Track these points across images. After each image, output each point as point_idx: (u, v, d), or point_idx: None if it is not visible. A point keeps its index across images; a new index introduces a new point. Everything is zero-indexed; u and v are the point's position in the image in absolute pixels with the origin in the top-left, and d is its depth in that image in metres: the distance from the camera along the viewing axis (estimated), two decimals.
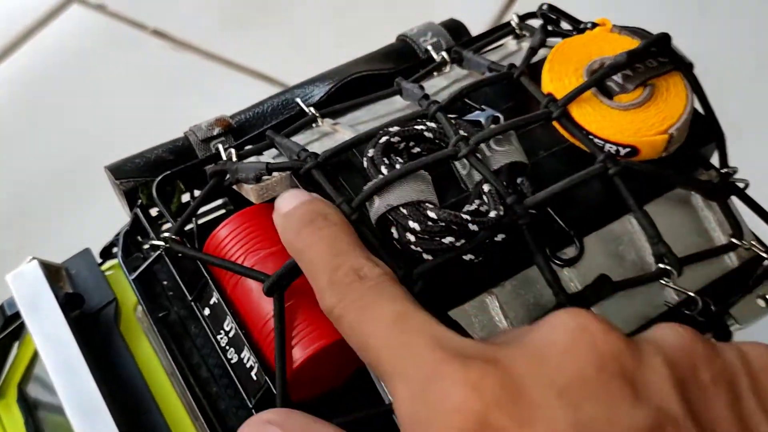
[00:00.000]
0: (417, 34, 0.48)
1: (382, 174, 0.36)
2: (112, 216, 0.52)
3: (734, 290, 0.40)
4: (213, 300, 0.38)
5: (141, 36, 1.03)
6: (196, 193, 0.43)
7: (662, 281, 0.38)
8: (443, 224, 0.34)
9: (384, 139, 0.38)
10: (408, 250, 0.35)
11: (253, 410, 0.36)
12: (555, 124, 0.40)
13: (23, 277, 0.40)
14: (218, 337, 0.38)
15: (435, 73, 0.46)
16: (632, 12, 1.00)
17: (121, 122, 0.93)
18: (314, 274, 0.32)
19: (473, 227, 0.34)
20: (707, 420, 0.26)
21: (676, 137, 0.38)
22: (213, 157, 0.42)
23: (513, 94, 0.43)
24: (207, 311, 0.39)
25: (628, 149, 0.38)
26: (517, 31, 0.48)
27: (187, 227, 0.41)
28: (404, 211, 0.35)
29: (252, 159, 0.41)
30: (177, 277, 0.39)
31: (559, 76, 0.40)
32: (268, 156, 0.41)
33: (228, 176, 0.40)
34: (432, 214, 0.34)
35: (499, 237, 0.36)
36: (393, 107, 0.44)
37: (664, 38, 0.40)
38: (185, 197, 0.44)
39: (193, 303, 0.39)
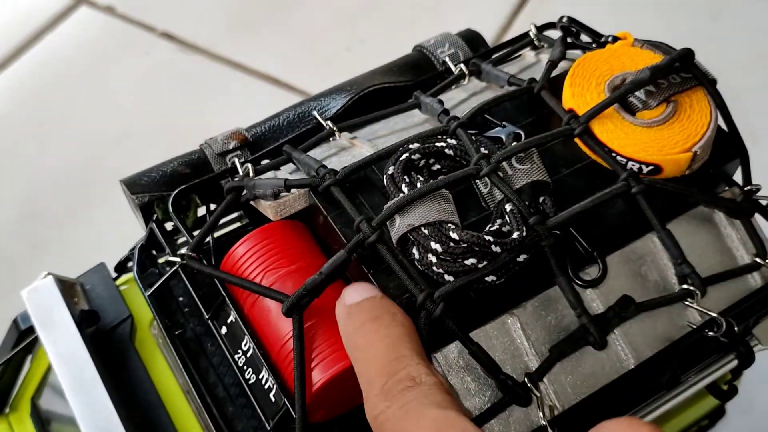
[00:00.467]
0: (434, 45, 0.48)
1: (403, 192, 0.36)
2: (123, 219, 0.52)
3: (758, 310, 0.40)
4: (230, 319, 0.38)
5: (150, 38, 1.02)
6: (212, 206, 0.43)
7: (685, 302, 0.37)
8: (466, 245, 0.34)
9: (404, 156, 0.37)
10: (429, 272, 0.35)
11: None
12: (577, 140, 0.39)
13: (38, 294, 0.39)
14: (236, 356, 0.37)
15: (453, 86, 0.46)
16: (644, 21, 1.00)
17: (130, 124, 0.93)
18: (369, 376, 0.31)
19: (496, 249, 0.34)
20: None
21: (700, 155, 0.38)
22: (229, 171, 0.42)
23: (533, 108, 0.42)
24: (224, 330, 0.38)
25: (651, 167, 0.38)
26: (536, 43, 0.48)
27: (207, 241, 0.41)
28: (426, 231, 0.34)
29: (269, 174, 0.40)
30: (194, 295, 0.39)
31: (581, 91, 0.40)
32: (285, 171, 0.41)
33: (245, 192, 0.40)
34: (454, 235, 0.34)
35: (521, 258, 0.35)
36: (411, 121, 0.43)
37: (688, 54, 0.39)
38: (201, 211, 0.43)
39: (209, 321, 0.39)
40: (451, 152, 0.38)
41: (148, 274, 0.42)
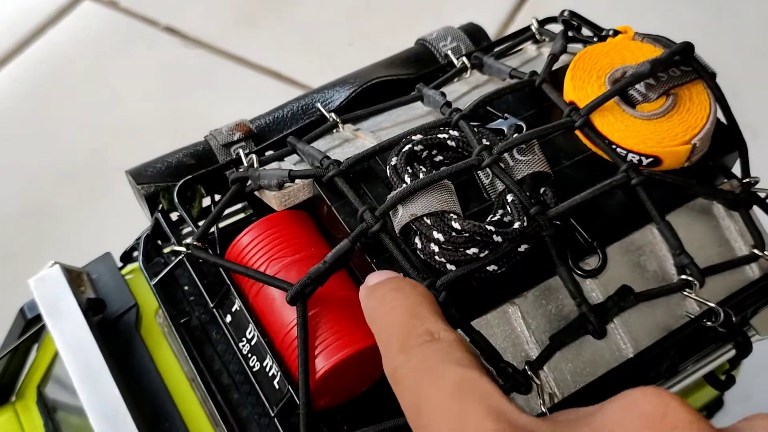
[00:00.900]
0: (437, 38, 0.48)
1: (406, 183, 0.36)
2: (127, 211, 0.52)
3: (756, 301, 0.40)
4: (235, 307, 0.38)
5: (153, 32, 1.03)
6: (217, 197, 0.43)
7: (684, 292, 0.38)
8: (467, 235, 0.34)
9: (407, 147, 0.38)
10: (432, 261, 0.35)
11: (276, 419, 0.36)
12: (577, 132, 0.40)
13: (45, 283, 0.40)
14: (240, 344, 0.38)
15: (455, 79, 0.46)
16: (645, 14, 1.00)
17: (134, 118, 0.93)
18: (388, 337, 0.31)
19: (497, 238, 0.34)
20: None
21: (699, 147, 0.38)
22: (234, 162, 0.42)
23: (534, 101, 0.43)
24: (229, 318, 0.39)
25: (650, 159, 0.38)
26: (537, 36, 0.48)
27: (212, 231, 0.41)
28: (428, 221, 0.35)
29: (273, 165, 0.41)
30: (199, 284, 0.39)
31: (582, 84, 0.40)
32: (289, 162, 0.41)
33: (250, 183, 0.40)
34: (456, 225, 0.34)
35: (523, 248, 0.36)
36: (414, 113, 0.44)
37: (688, 47, 0.40)
38: (206, 201, 0.44)
39: (214, 309, 0.39)
40: (453, 143, 0.38)
41: (153, 263, 0.42)
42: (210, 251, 0.39)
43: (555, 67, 0.43)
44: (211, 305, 0.39)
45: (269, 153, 0.42)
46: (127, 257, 0.46)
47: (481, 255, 0.35)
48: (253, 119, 0.45)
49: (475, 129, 0.39)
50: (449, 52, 0.47)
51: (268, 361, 0.37)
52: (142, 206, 0.43)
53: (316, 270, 0.35)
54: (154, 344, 0.41)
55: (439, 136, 0.38)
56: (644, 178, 0.37)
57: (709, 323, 0.38)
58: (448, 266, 0.35)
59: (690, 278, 0.37)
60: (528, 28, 0.48)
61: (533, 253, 0.36)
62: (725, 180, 0.42)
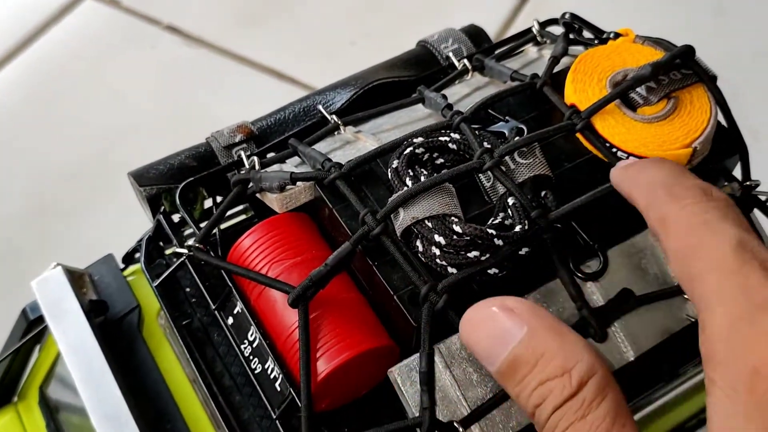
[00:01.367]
0: (438, 40, 0.48)
1: (407, 186, 0.36)
2: (129, 212, 0.52)
3: None
4: (237, 309, 0.38)
5: (155, 31, 1.03)
6: (218, 199, 0.44)
7: (684, 296, 0.38)
8: (469, 238, 0.34)
9: (408, 150, 0.38)
10: (433, 264, 0.35)
11: (277, 421, 0.36)
12: (578, 135, 0.40)
13: (47, 284, 0.40)
14: (242, 346, 0.38)
15: (457, 81, 0.46)
16: (647, 16, 1.00)
17: (135, 117, 0.93)
18: (653, 188, 0.31)
19: (498, 242, 0.35)
20: None
21: (700, 150, 0.38)
22: (235, 163, 0.42)
23: (536, 103, 0.43)
24: (230, 320, 0.39)
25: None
26: (538, 39, 0.48)
27: (214, 233, 0.42)
28: (430, 224, 0.35)
29: (275, 167, 0.41)
30: (200, 286, 0.40)
31: (583, 87, 0.40)
32: (291, 164, 0.41)
33: (251, 185, 0.40)
34: (458, 228, 0.35)
35: (524, 251, 0.36)
36: (415, 115, 0.44)
37: (689, 50, 0.40)
38: (207, 203, 0.44)
39: (216, 311, 0.39)
40: (454, 146, 0.38)
41: (155, 265, 0.43)
42: (212, 253, 0.39)
43: (556, 69, 0.43)
44: (213, 307, 0.39)
45: (271, 155, 0.42)
46: (129, 259, 0.46)
47: (482, 258, 0.35)
48: (255, 121, 0.45)
49: (477, 132, 0.39)
50: (450, 54, 0.48)
51: (270, 364, 0.37)
52: (144, 208, 0.44)
53: (318, 273, 0.35)
54: (156, 346, 0.41)
55: (441, 138, 0.38)
56: None
57: None
58: (450, 269, 0.35)
59: None
60: (529, 30, 0.48)
61: (534, 256, 0.36)
62: (726, 183, 0.42)
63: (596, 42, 0.45)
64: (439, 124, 0.40)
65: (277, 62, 1.00)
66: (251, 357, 0.38)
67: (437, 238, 0.35)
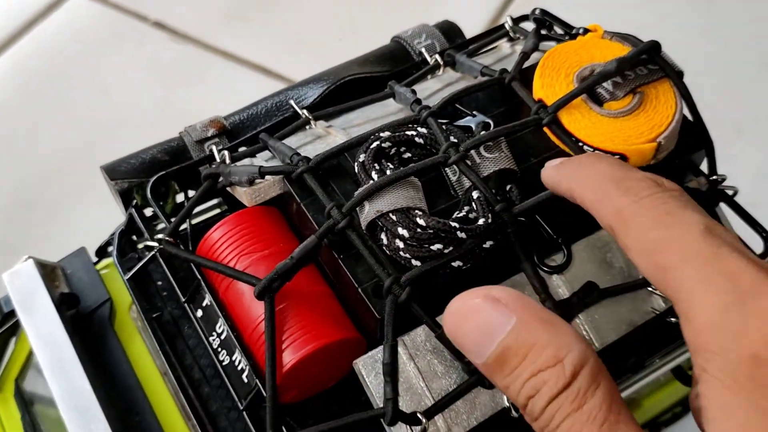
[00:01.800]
0: (411, 36, 0.49)
1: (373, 179, 0.37)
2: (114, 206, 0.52)
3: None
4: (205, 302, 0.39)
5: (142, 27, 1.03)
6: (191, 193, 0.44)
7: (649, 288, 0.38)
8: (432, 231, 0.35)
9: (375, 144, 0.38)
10: (397, 256, 0.36)
11: (244, 412, 0.36)
12: (546, 130, 0.40)
13: (19, 277, 0.40)
14: (210, 338, 0.38)
15: (429, 76, 0.47)
16: (636, 10, 1.00)
17: (122, 114, 0.93)
18: (601, 183, 0.31)
19: (461, 235, 0.35)
20: None
21: (665, 145, 0.39)
22: (207, 158, 0.43)
23: (505, 98, 0.43)
24: (200, 313, 0.39)
25: (616, 156, 0.38)
26: (511, 34, 0.49)
27: (182, 228, 0.42)
28: (394, 217, 0.35)
29: (245, 162, 0.41)
30: (171, 279, 0.40)
31: (550, 82, 0.41)
32: (262, 158, 0.42)
33: (221, 179, 0.41)
34: (421, 221, 0.35)
35: (488, 244, 0.36)
36: (386, 110, 0.44)
37: (654, 46, 0.40)
38: (180, 197, 0.44)
39: (186, 304, 0.40)
40: (421, 141, 0.39)
41: (127, 258, 0.43)
42: (182, 246, 0.40)
43: (527, 65, 0.44)
44: (183, 300, 0.40)
45: (242, 149, 0.42)
46: (102, 252, 0.46)
47: (446, 251, 0.35)
48: (228, 116, 0.45)
49: (444, 126, 0.39)
50: (423, 50, 0.48)
51: (237, 355, 0.37)
52: (117, 201, 0.44)
53: (284, 265, 0.36)
54: (128, 338, 0.42)
55: (407, 133, 0.39)
56: None
57: (673, 319, 0.39)
58: (413, 262, 0.35)
59: None
60: (502, 26, 0.49)
61: (499, 249, 0.37)
62: (693, 177, 0.42)
63: (567, 38, 0.46)
64: (406, 119, 0.40)
65: (265, 58, 1.00)
66: (219, 349, 0.38)
67: (401, 231, 0.35)
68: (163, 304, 0.42)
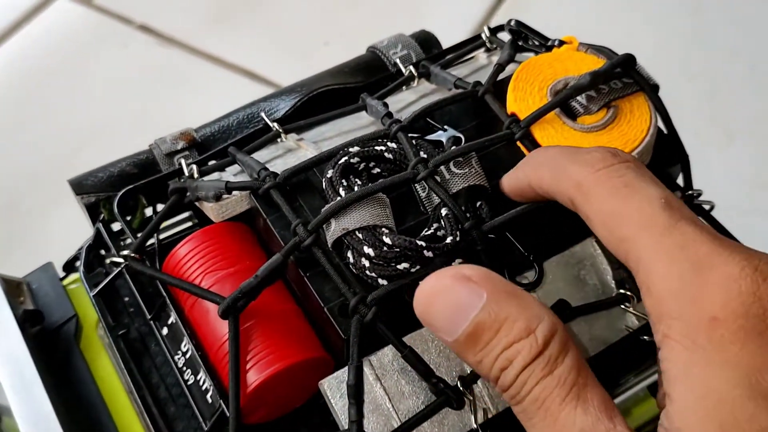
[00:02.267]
0: (387, 46, 0.48)
1: (340, 196, 0.36)
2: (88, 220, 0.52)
3: None
4: (171, 320, 0.38)
5: (127, 31, 1.02)
6: (160, 207, 0.43)
7: (623, 306, 0.37)
8: (398, 250, 0.34)
9: (343, 159, 0.37)
10: (363, 275, 0.35)
11: None
12: (519, 144, 0.39)
13: None
14: (176, 357, 0.38)
15: (404, 87, 0.46)
16: (623, 15, 1.00)
17: (107, 118, 0.93)
18: (554, 158, 0.32)
19: (428, 254, 0.34)
20: None
21: (639, 160, 0.38)
22: (176, 172, 0.42)
23: (478, 111, 0.42)
24: (165, 330, 0.38)
25: None
26: (488, 45, 0.48)
27: (152, 243, 0.41)
28: (360, 235, 0.35)
29: (213, 176, 0.41)
30: (137, 295, 0.39)
31: (524, 95, 0.40)
32: (231, 172, 0.41)
33: (189, 193, 0.40)
34: (387, 240, 0.34)
35: (456, 262, 0.36)
36: (359, 123, 0.43)
37: (629, 59, 0.39)
38: (149, 211, 0.43)
39: (151, 322, 0.39)
40: (390, 156, 0.38)
41: (94, 273, 0.42)
42: (147, 263, 0.39)
43: (502, 76, 0.43)
44: (149, 317, 0.39)
45: (212, 163, 0.42)
46: (70, 267, 0.46)
47: (413, 270, 0.35)
48: (199, 128, 0.45)
49: (414, 141, 0.39)
50: (398, 60, 0.47)
51: (202, 375, 0.36)
52: (85, 215, 0.43)
53: (248, 284, 0.35)
54: (94, 356, 0.41)
55: (377, 148, 0.38)
56: None
57: (647, 338, 0.38)
58: (380, 281, 0.35)
59: (628, 292, 0.37)
60: (479, 36, 0.48)
61: None
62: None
63: (543, 50, 0.45)
64: (376, 133, 0.39)
65: (251, 62, 0.99)
66: (184, 368, 0.37)
67: (366, 249, 0.34)
68: (131, 320, 0.41)
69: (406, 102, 0.44)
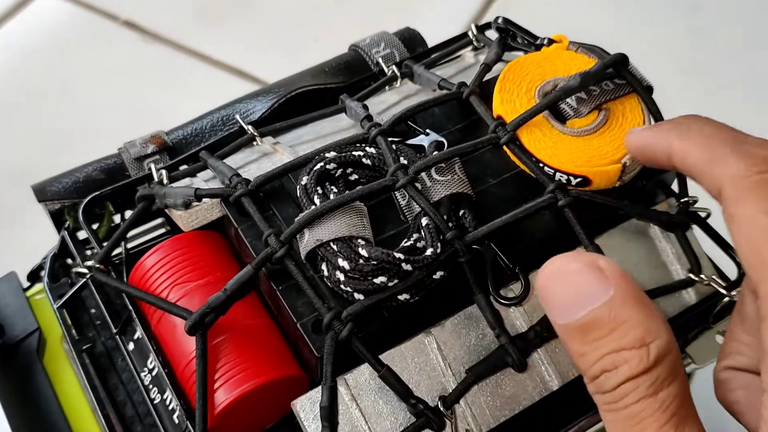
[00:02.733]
0: (369, 44, 0.46)
1: (315, 204, 0.34)
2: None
3: (692, 328, 0.38)
4: (137, 334, 0.36)
5: (112, 27, 1.00)
6: (129, 214, 0.41)
7: None
8: (375, 263, 0.32)
9: (318, 165, 0.35)
10: (338, 289, 0.33)
11: None
12: (505, 149, 0.37)
13: None
14: (142, 374, 0.36)
15: (387, 88, 0.44)
16: (620, 12, 0.98)
17: (91, 116, 0.90)
18: (710, 143, 0.29)
19: (407, 267, 0.32)
20: None
21: (631, 166, 0.36)
22: (146, 177, 0.40)
23: (463, 114, 0.40)
24: (131, 346, 0.36)
25: (579, 179, 0.36)
26: (475, 43, 0.46)
27: (119, 252, 0.39)
28: (335, 247, 0.33)
29: (184, 182, 0.38)
30: (102, 308, 0.37)
31: (510, 97, 0.38)
32: (202, 178, 0.39)
33: (157, 201, 0.38)
34: (363, 252, 0.32)
35: (438, 275, 0.33)
36: (339, 126, 0.41)
37: (621, 59, 0.37)
38: (118, 219, 0.41)
39: (117, 336, 0.37)
40: (369, 161, 0.36)
41: (59, 284, 0.40)
42: (113, 274, 0.37)
43: (489, 77, 0.41)
44: (114, 331, 0.37)
45: (183, 168, 0.40)
46: (34, 276, 0.43)
47: (391, 284, 0.33)
48: (170, 131, 0.43)
49: (394, 146, 0.36)
50: (380, 60, 0.45)
51: (168, 394, 0.34)
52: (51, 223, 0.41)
53: (216, 298, 0.33)
54: (59, 372, 0.39)
55: (354, 153, 0.36)
56: (572, 200, 0.35)
57: None
58: (356, 295, 0.33)
59: None
60: (465, 35, 0.46)
61: (453, 279, 0.34)
62: (664, 198, 0.40)
63: (532, 49, 0.43)
64: (354, 137, 0.37)
65: (239, 59, 0.97)
66: (151, 386, 0.35)
67: (341, 262, 0.32)
68: (97, 333, 0.39)
69: (388, 104, 0.42)
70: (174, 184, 0.38)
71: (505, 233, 0.35)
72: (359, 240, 0.33)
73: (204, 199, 0.37)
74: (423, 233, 0.34)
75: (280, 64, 0.97)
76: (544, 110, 0.36)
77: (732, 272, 0.39)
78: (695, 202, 0.39)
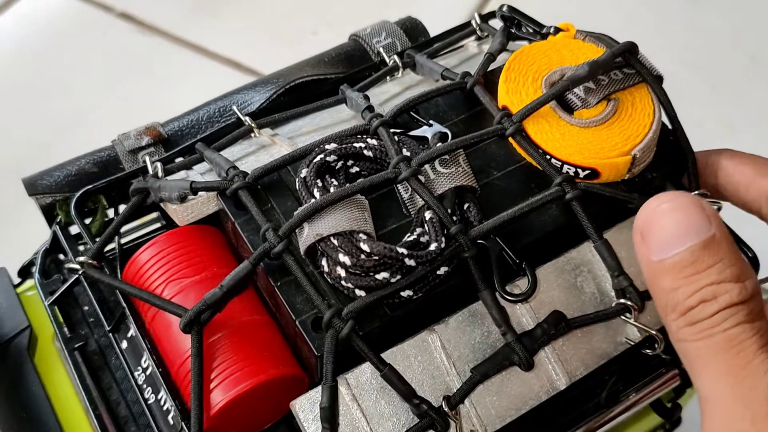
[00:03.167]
0: (370, 34, 0.45)
1: (315, 197, 0.33)
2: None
3: None
4: (131, 332, 0.35)
5: (107, 18, 0.98)
6: (123, 208, 0.40)
7: (623, 317, 0.34)
8: (377, 258, 0.31)
9: (318, 158, 0.34)
10: (339, 286, 0.32)
11: None
12: (511, 140, 0.36)
13: None
14: (136, 373, 0.35)
15: (388, 78, 0.43)
16: (621, 5, 0.96)
17: (85, 108, 0.89)
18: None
19: (410, 262, 0.31)
20: None
21: (640, 158, 0.35)
22: (140, 170, 0.39)
23: (467, 104, 0.39)
24: (125, 344, 0.35)
25: (587, 171, 0.35)
26: (479, 33, 0.45)
27: (113, 247, 0.38)
28: (335, 241, 0.32)
29: (180, 175, 0.37)
30: (95, 305, 0.36)
31: (516, 87, 0.37)
32: (198, 171, 0.38)
33: (152, 194, 0.37)
34: (365, 247, 0.31)
35: (442, 270, 0.32)
36: (339, 117, 0.40)
37: (631, 48, 0.36)
38: (112, 213, 0.40)
39: (110, 334, 0.36)
40: (370, 153, 0.35)
41: (51, 280, 0.39)
42: (106, 269, 0.36)
43: (493, 66, 0.40)
44: (108, 329, 0.36)
45: (179, 160, 0.38)
46: (25, 272, 0.42)
47: (393, 280, 0.31)
48: (166, 122, 0.41)
49: (396, 137, 0.35)
50: (382, 50, 0.44)
51: (163, 394, 0.33)
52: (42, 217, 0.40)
53: (212, 295, 0.32)
54: (50, 370, 0.38)
55: (355, 145, 0.35)
56: (580, 192, 0.34)
57: (649, 351, 0.35)
58: (357, 292, 0.32)
59: (629, 302, 0.34)
60: (468, 24, 0.45)
61: (457, 275, 0.33)
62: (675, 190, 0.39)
63: (538, 38, 0.42)
64: (355, 129, 0.36)
65: (236, 52, 0.96)
66: (144, 386, 0.34)
67: (342, 257, 0.31)
68: (90, 331, 0.38)
69: (389, 94, 0.41)
70: (169, 177, 0.37)
71: (511, 227, 0.34)
72: (360, 234, 0.32)
73: (200, 193, 0.35)
74: (426, 227, 0.33)
75: (277, 56, 0.95)
76: (551, 100, 0.35)
77: None
78: (706, 195, 0.37)
